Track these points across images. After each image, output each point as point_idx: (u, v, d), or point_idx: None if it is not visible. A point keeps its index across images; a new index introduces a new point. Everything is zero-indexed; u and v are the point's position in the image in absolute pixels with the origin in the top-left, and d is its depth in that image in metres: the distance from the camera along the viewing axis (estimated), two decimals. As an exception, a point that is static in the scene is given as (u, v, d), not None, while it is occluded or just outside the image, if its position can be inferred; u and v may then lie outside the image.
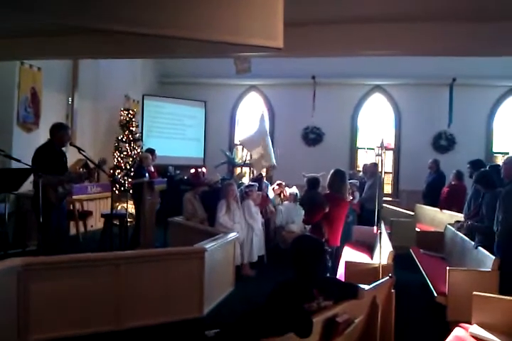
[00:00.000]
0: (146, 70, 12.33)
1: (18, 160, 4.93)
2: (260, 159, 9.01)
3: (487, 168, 6.31)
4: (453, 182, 8.60)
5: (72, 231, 8.17)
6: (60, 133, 5.56)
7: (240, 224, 6.77)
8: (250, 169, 11.98)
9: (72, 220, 8.13)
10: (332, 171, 5.32)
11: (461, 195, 8.05)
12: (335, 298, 3.00)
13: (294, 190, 8.38)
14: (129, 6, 3.25)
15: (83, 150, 5.61)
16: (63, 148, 5.77)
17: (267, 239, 7.52)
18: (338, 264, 5.39)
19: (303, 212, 6.74)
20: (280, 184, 8.78)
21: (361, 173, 9.35)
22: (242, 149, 12.86)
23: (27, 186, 7.10)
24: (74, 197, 7.79)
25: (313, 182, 5.85)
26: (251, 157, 9.22)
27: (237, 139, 11.32)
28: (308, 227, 6.12)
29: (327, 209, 4.99)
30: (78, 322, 4.19)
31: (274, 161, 9.02)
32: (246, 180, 9.25)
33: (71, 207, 8.01)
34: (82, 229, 8.64)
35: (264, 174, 9.09)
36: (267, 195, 8.21)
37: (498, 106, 11.53)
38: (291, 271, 3.05)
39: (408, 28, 5.22)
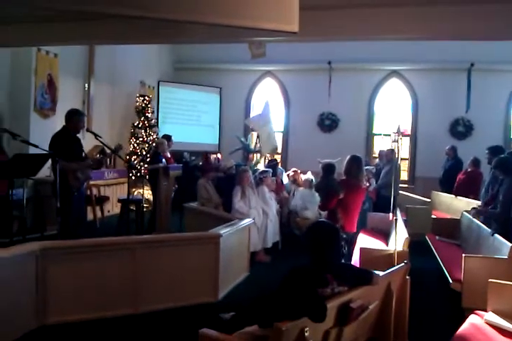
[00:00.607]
0: (161, 56, 12.32)
1: (36, 146, 5.00)
2: (266, 141, 9.09)
3: (506, 154, 6.22)
4: (469, 169, 8.52)
5: (90, 216, 8.26)
6: (75, 120, 5.61)
7: (256, 209, 6.80)
8: (265, 156, 12.04)
9: (90, 205, 8.22)
10: (348, 157, 5.28)
11: (478, 182, 7.98)
12: (349, 283, 3.01)
13: (309, 176, 8.35)
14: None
15: (100, 136, 5.66)
16: (79, 134, 5.83)
17: (281, 225, 7.53)
18: (353, 251, 5.38)
19: (318, 198, 6.74)
20: (295, 171, 8.76)
21: (377, 160, 9.28)
22: (257, 136, 12.88)
23: (45, 171, 7.24)
24: (91, 182, 7.87)
25: (328, 168, 5.82)
26: (258, 137, 9.26)
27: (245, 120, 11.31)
28: (323, 213, 6.11)
29: (342, 196, 4.97)
30: (95, 306, 4.26)
31: (276, 144, 9.05)
32: (261, 166, 9.24)
33: (88, 193, 8.10)
34: (99, 214, 8.75)
35: (269, 158, 9.09)
36: (282, 181, 8.20)
37: (517, 92, 11.32)
38: (306, 257, 3.05)
39: (425, 11, 5.11)
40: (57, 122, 7.47)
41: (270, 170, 7.64)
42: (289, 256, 6.44)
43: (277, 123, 12.08)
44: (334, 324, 2.87)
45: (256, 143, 9.89)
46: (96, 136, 5.63)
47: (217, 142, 13.05)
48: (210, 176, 7.50)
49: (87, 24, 6.06)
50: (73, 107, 6.24)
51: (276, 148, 9.19)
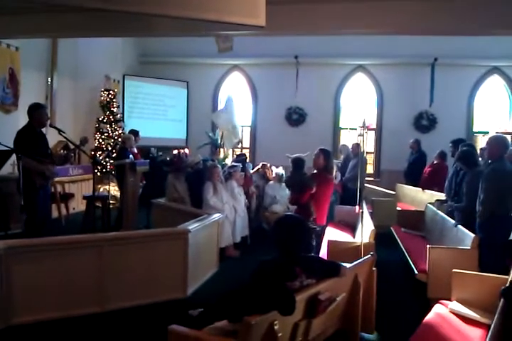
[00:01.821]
0: (126, 50, 12.10)
1: (-3, 142, 4.85)
2: (230, 135, 9.11)
3: (463, 146, 6.33)
4: (435, 162, 8.70)
5: (54, 213, 8.09)
6: (38, 114, 5.47)
7: (228, 204, 6.80)
8: (232, 150, 12.00)
9: (54, 203, 8.04)
10: (318, 150, 5.31)
11: (443, 175, 8.14)
12: (317, 276, 3.04)
13: (280, 170, 8.37)
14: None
15: (63, 132, 5.53)
16: (43, 130, 5.69)
17: (250, 219, 7.54)
18: (322, 243, 5.44)
19: (287, 192, 6.77)
20: (265, 164, 8.75)
21: (339, 154, 9.39)
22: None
23: (8, 168, 7.04)
24: (55, 179, 7.70)
25: (298, 163, 5.85)
26: (221, 133, 9.28)
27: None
28: (291, 208, 6.14)
29: (314, 189, 5.00)
30: (62, 305, 4.18)
31: (239, 137, 9.10)
32: (229, 161, 9.23)
33: (53, 190, 7.91)
34: (64, 211, 8.58)
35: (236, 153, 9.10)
36: (250, 176, 8.21)
37: (479, 86, 11.57)
38: (275, 252, 3.07)
39: (390, 6, 5.19)
40: (20, 117, 7.29)
41: (240, 164, 7.63)
42: (258, 250, 6.45)
43: (245, 117, 12.07)
44: (303, 316, 2.89)
45: (221, 137, 9.89)
46: (59, 131, 5.51)
47: (184, 137, 12.93)
48: (180, 174, 7.41)
49: (49, 16, 5.92)
50: (36, 101, 6.09)
51: (239, 142, 9.21)
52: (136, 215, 7.50)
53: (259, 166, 8.75)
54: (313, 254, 4.80)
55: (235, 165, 7.48)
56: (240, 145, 12.20)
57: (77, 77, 10.68)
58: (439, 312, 3.50)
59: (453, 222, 5.39)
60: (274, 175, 8.44)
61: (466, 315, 3.42)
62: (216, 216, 5.95)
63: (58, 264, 4.21)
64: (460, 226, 5.08)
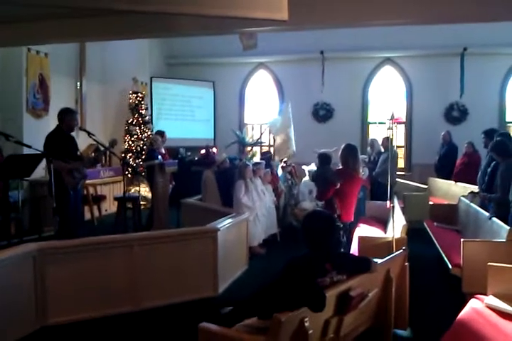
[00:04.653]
0: (152, 52, 12.23)
1: (29, 146, 4.95)
2: (284, 145, 9.04)
3: (497, 135, 6.17)
4: (466, 153, 8.51)
5: (87, 215, 8.24)
6: (68, 118, 5.57)
7: (258, 203, 6.80)
8: (260, 148, 11.99)
9: (87, 205, 8.19)
10: (343, 146, 5.24)
11: (476, 166, 7.96)
12: (348, 272, 3.00)
13: (312, 167, 8.27)
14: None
15: (93, 134, 5.62)
16: (73, 133, 5.79)
17: (278, 217, 7.52)
18: (352, 239, 5.37)
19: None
20: (286, 161, 8.66)
21: (368, 148, 9.25)
22: (252, 128, 12.86)
23: (40, 172, 7.21)
24: (87, 181, 7.83)
25: (324, 158, 5.79)
26: (275, 142, 9.19)
27: (265, 124, 11.23)
28: (320, 204, 6.09)
29: (338, 185, 4.94)
30: (95, 305, 4.25)
31: (294, 148, 9.02)
32: (257, 160, 9.20)
33: (85, 192, 8.07)
34: (96, 213, 8.73)
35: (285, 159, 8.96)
36: (276, 173, 8.18)
37: (510, 75, 11.24)
38: (305, 249, 3.04)
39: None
40: (51, 122, 7.43)
41: (263, 161, 7.61)
42: (288, 248, 6.43)
43: (272, 115, 12.04)
44: (334, 313, 2.87)
45: (257, 139, 9.81)
46: (89, 134, 5.60)
47: (212, 136, 12.98)
48: (214, 168, 7.47)
49: (76, 21, 6.01)
50: (66, 106, 6.20)
51: (294, 154, 9.09)
52: (168, 215, 7.57)
53: (282, 164, 8.65)
54: (344, 251, 4.76)
55: (259, 163, 7.46)
56: (266, 143, 12.19)
57: (106, 80, 10.85)
58: (475, 307, 3.41)
59: (487, 214, 5.25)
60: (306, 172, 8.35)
61: (503, 309, 3.31)
62: (245, 214, 5.95)
63: (91, 265, 4.27)
64: (495, 219, 4.95)
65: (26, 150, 5.41)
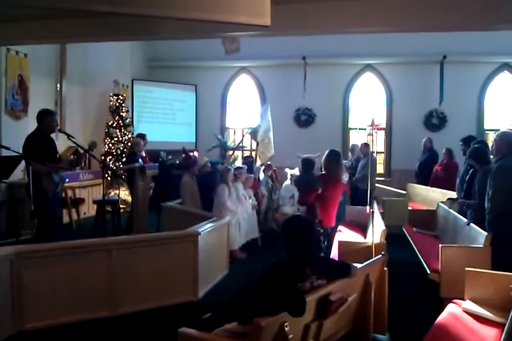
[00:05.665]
0: (134, 55, 12.16)
1: (7, 148, 4.87)
2: (265, 148, 9.05)
3: (474, 143, 6.25)
4: (445, 161, 8.62)
5: (65, 219, 8.13)
6: (47, 120, 5.49)
7: (239, 207, 6.79)
8: (242, 152, 11.97)
9: (65, 208, 8.08)
10: (327, 152, 5.26)
11: (453, 173, 8.07)
12: (328, 276, 3.01)
13: (296, 171, 8.28)
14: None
15: (72, 137, 5.55)
16: (52, 135, 5.71)
17: (259, 221, 7.51)
18: (333, 245, 5.40)
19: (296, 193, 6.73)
20: (269, 165, 8.67)
21: (349, 154, 9.32)
22: (234, 133, 12.84)
23: (19, 174, 7.09)
24: (66, 184, 7.74)
25: (307, 163, 5.81)
26: (257, 146, 9.18)
27: (246, 129, 11.19)
28: (301, 209, 6.10)
29: (320, 190, 4.95)
30: (73, 309, 4.19)
31: (273, 151, 9.04)
32: (238, 164, 9.19)
33: (63, 195, 7.96)
34: (75, 216, 8.62)
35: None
36: (258, 178, 8.18)
37: (489, 83, 11.44)
38: (285, 253, 3.05)
39: (399, 3, 5.15)
40: (30, 123, 7.33)
41: (245, 166, 7.60)
42: (268, 252, 6.41)
43: (254, 119, 12.05)
44: (314, 317, 2.87)
45: (239, 143, 9.76)
46: (69, 136, 5.53)
47: (194, 140, 12.93)
48: (194, 170, 7.43)
49: (57, 22, 5.96)
50: (45, 107, 6.12)
51: (272, 156, 9.11)
52: (147, 219, 7.51)
53: (264, 167, 8.65)
54: (324, 255, 4.77)
55: (241, 167, 7.45)
56: (248, 147, 12.19)
57: (86, 82, 10.76)
58: (453, 312, 3.45)
59: (465, 220, 5.33)
60: (289, 176, 8.37)
61: (479, 314, 3.36)
62: (226, 218, 5.93)
63: (69, 269, 4.22)
64: (472, 225, 5.02)
65: (4, 152, 5.32)
